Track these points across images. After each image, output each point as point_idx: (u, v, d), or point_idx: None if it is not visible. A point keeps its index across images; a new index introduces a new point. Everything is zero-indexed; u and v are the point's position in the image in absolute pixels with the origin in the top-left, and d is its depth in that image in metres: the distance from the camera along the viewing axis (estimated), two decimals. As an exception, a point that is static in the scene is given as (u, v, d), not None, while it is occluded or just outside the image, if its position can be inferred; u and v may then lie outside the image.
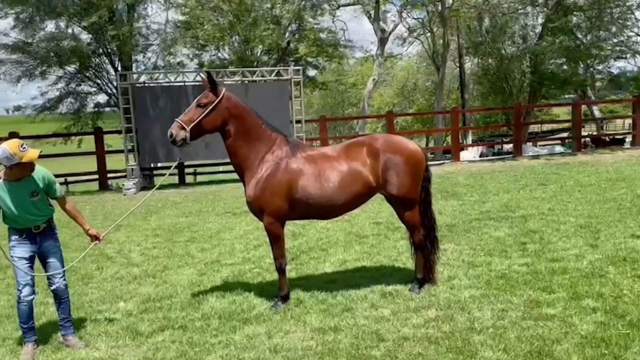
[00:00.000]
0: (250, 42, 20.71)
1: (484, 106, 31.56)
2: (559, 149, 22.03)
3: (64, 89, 20.20)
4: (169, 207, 11.61)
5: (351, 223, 8.66)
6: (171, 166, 18.75)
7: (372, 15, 23.51)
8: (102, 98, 21.38)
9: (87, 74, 19.92)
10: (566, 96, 28.85)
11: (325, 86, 25.56)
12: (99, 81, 20.59)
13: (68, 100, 20.43)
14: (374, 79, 23.36)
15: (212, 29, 19.06)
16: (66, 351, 4.48)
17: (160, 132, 13.77)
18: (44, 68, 18.92)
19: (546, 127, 37.19)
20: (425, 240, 5.47)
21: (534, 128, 37.52)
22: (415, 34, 27.91)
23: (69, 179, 19.71)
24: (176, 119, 4.93)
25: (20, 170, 4.27)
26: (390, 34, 24.27)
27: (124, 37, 17.13)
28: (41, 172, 4.45)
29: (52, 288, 4.57)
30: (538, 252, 6.42)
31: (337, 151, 5.27)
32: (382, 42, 23.27)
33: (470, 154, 20.70)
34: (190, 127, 4.87)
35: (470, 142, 25.97)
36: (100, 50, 19.42)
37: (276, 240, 5.19)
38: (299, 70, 16.56)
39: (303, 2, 21.82)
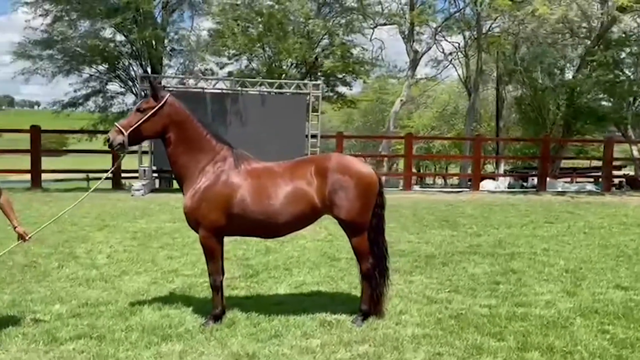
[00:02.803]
0: (279, 54, 20.78)
1: (521, 136, 30.48)
2: (590, 187, 20.99)
3: (94, 87, 20.72)
4: (165, 210, 11.58)
5: (331, 243, 8.37)
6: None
7: (407, 36, 23.24)
8: (130, 99, 21.91)
9: (117, 74, 20.39)
10: (611, 133, 27.49)
11: (354, 104, 25.31)
12: (130, 82, 21.07)
13: (96, 99, 20.95)
14: (401, 100, 23.00)
15: (241, 39, 19.22)
16: (-26, 350, 4.37)
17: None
18: (76, 66, 19.44)
19: (594, 163, 35.46)
20: (373, 270, 5.12)
21: (574, 163, 36.02)
22: (450, 58, 27.41)
23: (90, 175, 20.24)
24: (115, 123, 4.84)
25: None
26: (422, 55, 23.88)
27: (152, 40, 17.43)
28: None
29: None
30: (507, 294, 5.96)
31: (283, 167, 5.02)
32: (414, 63, 22.93)
33: (494, 184, 19.96)
34: (128, 132, 4.74)
35: (502, 172, 25.16)
36: (131, 52, 19.84)
37: (211, 256, 4.96)
38: (318, 85, 16.42)
39: (338, 19, 21.82)
